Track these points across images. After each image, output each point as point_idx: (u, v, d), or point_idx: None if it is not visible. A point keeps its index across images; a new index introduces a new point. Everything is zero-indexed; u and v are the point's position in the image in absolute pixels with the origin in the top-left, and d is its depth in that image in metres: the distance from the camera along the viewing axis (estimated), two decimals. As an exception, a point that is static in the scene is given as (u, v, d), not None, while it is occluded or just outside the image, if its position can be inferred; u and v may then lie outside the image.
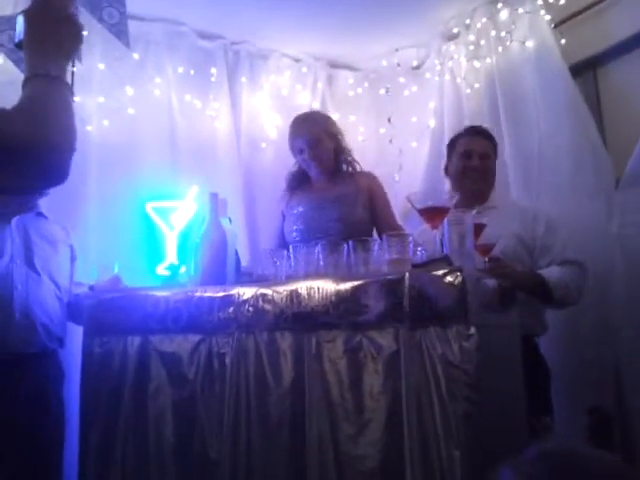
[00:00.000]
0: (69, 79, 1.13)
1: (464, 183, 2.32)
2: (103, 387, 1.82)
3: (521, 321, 1.89)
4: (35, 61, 1.06)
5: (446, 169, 2.49)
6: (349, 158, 2.64)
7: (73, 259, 2.33)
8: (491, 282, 1.57)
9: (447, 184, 2.96)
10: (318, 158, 2.52)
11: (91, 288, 2.13)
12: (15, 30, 1.13)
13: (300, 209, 2.56)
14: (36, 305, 2.07)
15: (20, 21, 1.11)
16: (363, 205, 2.51)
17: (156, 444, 1.72)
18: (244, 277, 1.96)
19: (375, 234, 2.52)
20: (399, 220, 2.64)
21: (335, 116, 3.11)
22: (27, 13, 1.10)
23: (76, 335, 2.10)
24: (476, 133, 2.43)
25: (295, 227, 2.53)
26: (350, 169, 2.64)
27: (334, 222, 2.43)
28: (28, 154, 0.96)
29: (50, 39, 1.08)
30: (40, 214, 2.23)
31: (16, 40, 1.13)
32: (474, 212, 2.18)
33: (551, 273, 2.04)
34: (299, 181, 2.66)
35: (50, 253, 2.19)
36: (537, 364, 2.08)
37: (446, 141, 3.24)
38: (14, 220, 2.09)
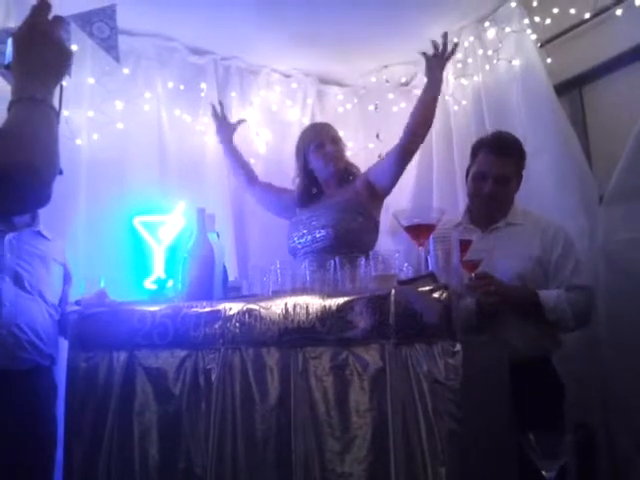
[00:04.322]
0: (57, 95, 1.12)
1: (474, 205, 2.22)
2: (88, 402, 1.81)
3: (526, 339, 1.88)
4: (21, 84, 1.05)
5: (467, 172, 2.26)
6: (354, 170, 2.67)
7: (67, 279, 2.35)
8: (470, 301, 1.56)
9: (434, 200, 2.97)
10: (338, 154, 2.57)
11: (77, 303, 2.12)
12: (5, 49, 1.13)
13: (299, 216, 2.58)
14: (24, 323, 2.09)
15: (9, 43, 1.11)
16: (360, 212, 2.45)
17: (141, 460, 1.70)
18: (231, 292, 1.96)
19: (369, 243, 2.51)
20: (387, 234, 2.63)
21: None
22: (14, 36, 1.10)
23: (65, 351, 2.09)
24: (500, 152, 2.11)
25: (292, 234, 2.55)
26: (352, 178, 2.65)
27: (321, 228, 2.42)
28: (9, 179, 0.94)
29: (37, 63, 1.07)
30: (39, 233, 2.25)
31: (5, 62, 1.13)
32: (479, 232, 2.09)
33: (550, 296, 1.97)
34: (306, 199, 2.65)
35: (42, 271, 2.20)
36: (551, 383, 2.04)
37: (434, 157, 3.29)
38: (7, 237, 2.11)
